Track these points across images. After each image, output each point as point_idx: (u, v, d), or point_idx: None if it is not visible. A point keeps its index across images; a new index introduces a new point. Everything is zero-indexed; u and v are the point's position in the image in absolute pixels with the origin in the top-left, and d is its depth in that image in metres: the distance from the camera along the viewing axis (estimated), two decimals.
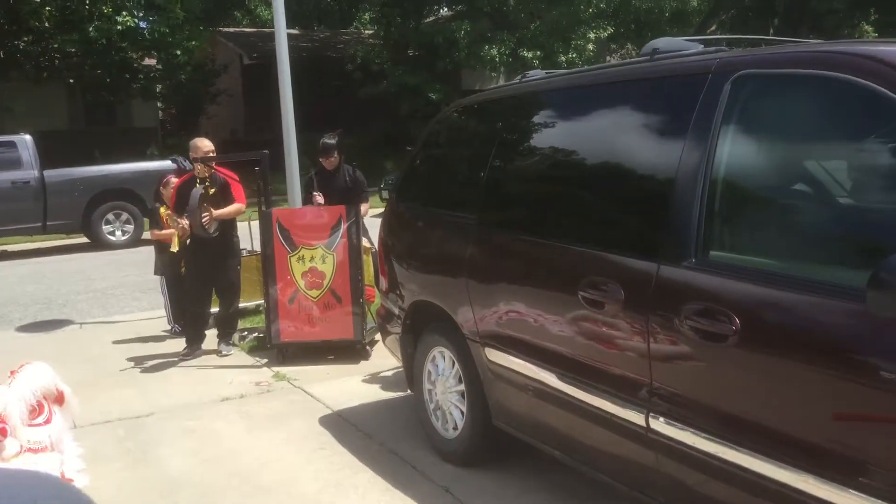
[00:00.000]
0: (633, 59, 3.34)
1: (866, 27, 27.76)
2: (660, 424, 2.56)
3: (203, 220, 5.87)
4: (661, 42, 3.02)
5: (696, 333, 2.40)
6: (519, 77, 3.91)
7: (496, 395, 3.53)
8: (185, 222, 5.93)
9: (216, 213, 5.97)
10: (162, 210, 6.75)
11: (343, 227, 5.85)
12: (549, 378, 3.08)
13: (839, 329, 2.11)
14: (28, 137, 12.57)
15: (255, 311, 7.14)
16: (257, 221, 6.18)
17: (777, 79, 2.46)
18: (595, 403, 2.83)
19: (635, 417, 2.65)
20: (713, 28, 24.42)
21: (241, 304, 6.78)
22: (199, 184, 5.97)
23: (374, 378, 5.45)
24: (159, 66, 20.89)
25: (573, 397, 2.95)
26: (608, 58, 23.68)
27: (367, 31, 29.39)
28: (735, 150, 2.53)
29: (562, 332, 3.01)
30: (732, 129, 2.52)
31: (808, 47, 2.60)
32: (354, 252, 5.86)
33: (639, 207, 2.82)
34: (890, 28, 26.08)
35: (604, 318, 2.78)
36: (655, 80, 2.92)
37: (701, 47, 2.92)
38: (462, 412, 3.84)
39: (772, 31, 25.04)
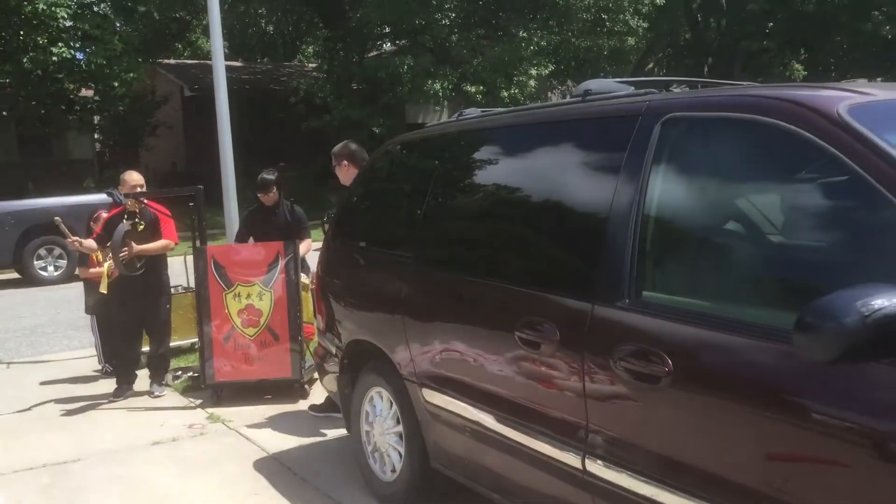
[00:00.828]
0: (566, 100, 3.37)
1: (797, 66, 28.91)
2: (596, 467, 2.54)
3: (121, 255, 5.69)
4: (594, 83, 3.06)
5: (630, 374, 2.39)
6: (455, 115, 3.91)
7: (434, 437, 3.47)
8: (108, 264, 5.76)
9: (137, 248, 5.80)
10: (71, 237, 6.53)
11: (281, 263, 5.76)
12: (487, 419, 3.04)
13: (771, 370, 2.11)
14: None
15: (189, 350, 6.96)
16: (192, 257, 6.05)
17: (705, 122, 2.50)
18: (532, 445, 2.80)
19: (572, 460, 2.62)
20: (650, 66, 25.11)
21: (176, 343, 6.61)
22: (127, 219, 5.80)
23: (311, 418, 5.33)
24: (96, 98, 20.50)
25: (510, 439, 2.91)
26: (549, 94, 24.11)
27: (310, 65, 29.41)
28: (666, 191, 2.55)
29: (499, 372, 2.98)
30: (663, 170, 2.54)
31: (737, 91, 2.65)
32: (293, 288, 5.76)
33: (573, 247, 2.82)
34: (818, 66, 27.20)
35: (540, 358, 2.75)
36: (587, 120, 2.94)
37: (632, 89, 2.96)
38: (400, 454, 3.77)
39: (706, 69, 25.85)
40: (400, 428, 3.75)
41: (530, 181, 3.13)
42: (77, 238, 5.82)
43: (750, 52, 26.38)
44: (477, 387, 3.11)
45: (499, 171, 3.39)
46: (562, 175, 2.96)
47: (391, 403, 3.81)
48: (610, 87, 3.02)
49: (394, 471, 3.82)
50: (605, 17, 21.80)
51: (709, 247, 2.54)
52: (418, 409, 3.54)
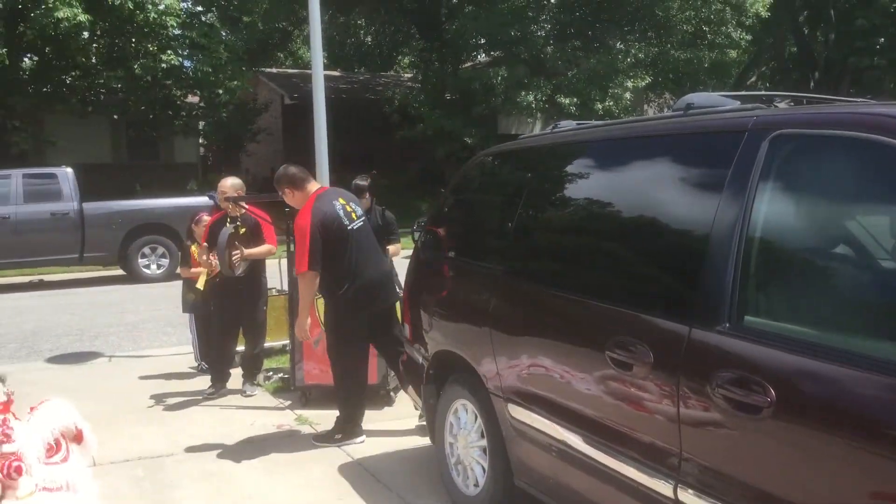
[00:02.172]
0: (666, 114, 3.27)
1: None
2: (688, 496, 2.43)
3: (233, 259, 5.87)
4: (696, 97, 2.96)
5: (729, 403, 2.29)
6: (550, 127, 3.86)
7: (519, 454, 3.41)
8: (213, 260, 5.95)
9: (246, 252, 5.97)
10: (192, 247, 6.78)
11: None
12: (574, 439, 2.97)
13: (881, 405, 1.99)
14: (69, 170, 12.83)
15: (281, 351, 7.11)
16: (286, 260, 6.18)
17: (817, 139, 2.37)
18: (621, 470, 2.71)
19: (663, 488, 2.52)
20: (752, 79, 24.31)
21: (268, 344, 6.75)
22: (230, 223, 5.99)
23: (396, 425, 5.35)
24: (202, 104, 21.34)
25: (598, 462, 2.84)
26: (646, 107, 23.67)
27: (405, 75, 29.79)
28: (773, 211, 2.44)
29: (588, 392, 2.91)
30: (770, 188, 2.43)
31: (851, 108, 2.51)
32: None
33: (670, 266, 2.72)
34: None
35: (632, 380, 2.67)
36: (689, 135, 2.84)
37: (737, 103, 2.84)
38: (484, 468, 3.73)
39: (812, 84, 24.86)
40: (484, 442, 3.71)
41: (626, 196, 3.05)
42: (211, 258, 6.06)
43: (858, 67, 25.25)
44: (564, 405, 3.04)
45: (593, 185, 3.32)
46: (660, 191, 2.87)
47: (476, 416, 3.77)
48: (714, 101, 2.91)
49: (476, 485, 3.78)
50: (707, 29, 21.29)
51: (817, 271, 2.41)
52: (503, 425, 3.49)
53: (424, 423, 5.12)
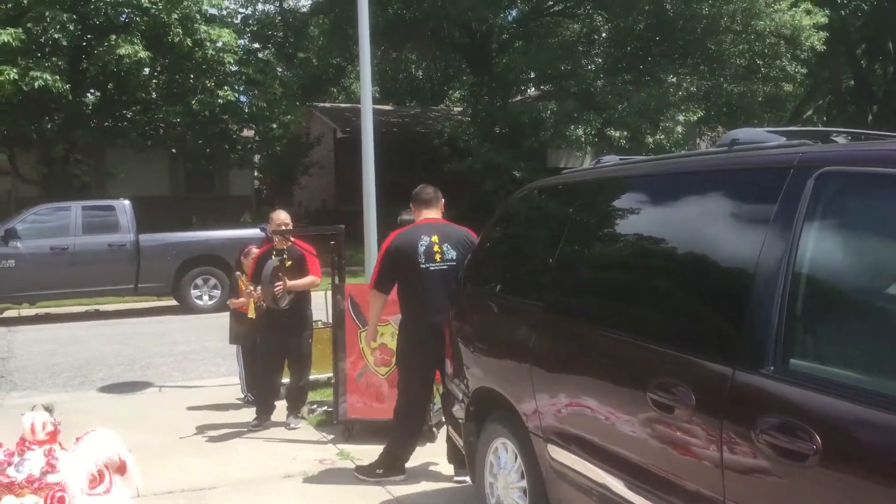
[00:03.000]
0: (710, 149, 3.22)
1: None
2: None
3: (275, 290, 5.94)
4: (741, 133, 2.90)
5: (773, 449, 2.20)
6: (593, 162, 3.82)
7: (559, 496, 3.34)
8: (256, 294, 6.03)
9: (290, 284, 6.03)
10: (241, 279, 6.87)
11: None
12: (615, 484, 2.89)
13: None
14: (126, 202, 13.18)
15: (325, 384, 7.12)
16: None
17: (865, 177, 2.30)
18: None
19: None
20: (809, 113, 23.89)
21: (313, 376, 6.77)
22: (276, 255, 6.06)
23: (438, 463, 5.29)
24: (257, 138, 21.80)
25: None
26: (698, 140, 23.41)
27: (455, 109, 30.04)
28: (819, 250, 2.36)
29: (628, 434, 2.83)
30: (816, 227, 2.35)
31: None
32: None
33: (714, 305, 2.65)
34: None
35: (674, 423, 2.59)
36: (734, 171, 2.78)
37: (783, 139, 2.78)
38: None
39: (870, 118, 24.33)
40: (524, 483, 3.63)
41: (668, 233, 2.99)
42: (254, 292, 6.20)
43: None
44: (604, 447, 2.97)
45: (635, 221, 3.27)
46: (703, 228, 2.81)
47: (516, 456, 3.70)
48: (759, 137, 2.84)
49: None
50: (761, 62, 21.00)
51: (865, 312, 2.31)
52: (543, 466, 3.42)
53: (449, 461, 5.07)
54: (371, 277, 5.04)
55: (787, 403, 2.23)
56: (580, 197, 3.69)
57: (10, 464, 3.51)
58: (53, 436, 3.70)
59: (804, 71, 21.77)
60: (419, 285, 4.87)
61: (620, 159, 3.68)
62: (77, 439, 3.77)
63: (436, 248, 4.90)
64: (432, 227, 5.03)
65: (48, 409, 3.80)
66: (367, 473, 5.03)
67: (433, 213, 5.13)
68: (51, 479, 3.48)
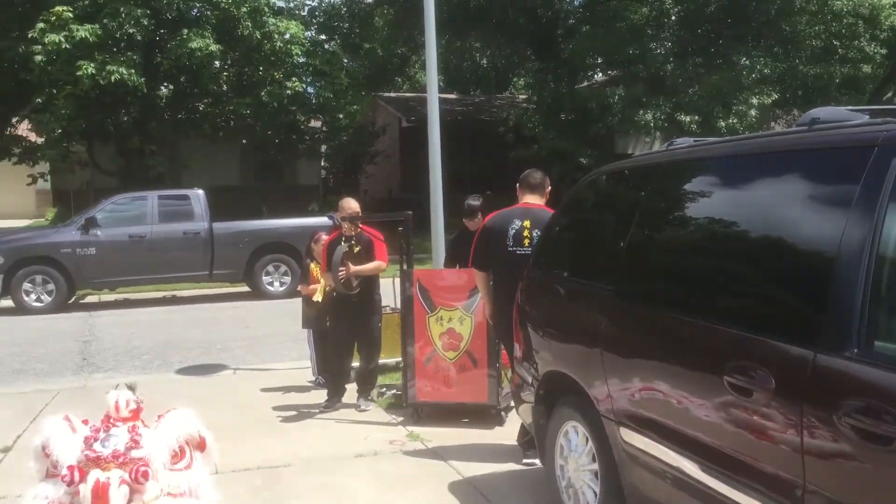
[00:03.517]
0: (789, 129, 3.13)
1: None
2: None
3: (339, 275, 6.03)
4: (822, 111, 2.81)
5: (857, 433, 2.15)
6: (666, 144, 3.77)
7: (631, 479, 3.32)
8: (330, 280, 6.14)
9: (353, 269, 6.12)
10: (312, 265, 7.00)
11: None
12: (690, 467, 2.86)
13: None
14: (200, 192, 13.55)
15: (394, 368, 7.21)
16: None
17: None
18: (740, 500, 2.59)
19: None
20: (889, 95, 22.94)
21: (382, 361, 6.86)
22: (345, 242, 6.16)
23: (507, 445, 5.32)
24: (324, 129, 22.12)
25: (716, 491, 2.71)
26: (772, 124, 22.74)
27: (521, 96, 29.86)
28: None
29: (704, 417, 2.80)
30: None
31: None
32: None
33: (794, 288, 2.59)
34: None
35: (752, 407, 2.55)
36: (814, 151, 2.71)
37: (866, 118, 2.69)
38: (595, 493, 3.64)
39: None
40: (595, 466, 3.63)
41: (745, 215, 2.93)
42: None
43: None
44: (679, 431, 2.94)
45: (710, 203, 3.21)
46: (782, 209, 2.75)
47: (587, 439, 3.70)
48: (841, 116, 2.76)
49: None
50: (838, 43, 20.25)
51: None
52: (615, 449, 3.41)
53: (518, 443, 5.10)
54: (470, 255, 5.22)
55: (871, 386, 2.17)
56: (653, 180, 3.65)
57: (96, 439, 3.67)
58: (136, 413, 3.85)
59: (884, 51, 20.92)
60: (504, 268, 4.91)
61: (694, 141, 3.62)
62: (159, 417, 3.91)
63: (525, 234, 4.93)
64: (527, 213, 5.06)
65: (131, 387, 3.95)
66: None
67: (535, 199, 5.17)
68: (135, 454, 3.62)
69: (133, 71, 16.38)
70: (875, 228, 2.30)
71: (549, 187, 5.29)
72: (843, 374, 2.27)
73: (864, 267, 2.29)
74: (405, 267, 6.20)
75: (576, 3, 23.58)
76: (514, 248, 4.90)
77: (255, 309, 12.41)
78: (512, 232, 4.94)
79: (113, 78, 16.05)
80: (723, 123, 18.44)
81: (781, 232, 2.72)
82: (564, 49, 21.93)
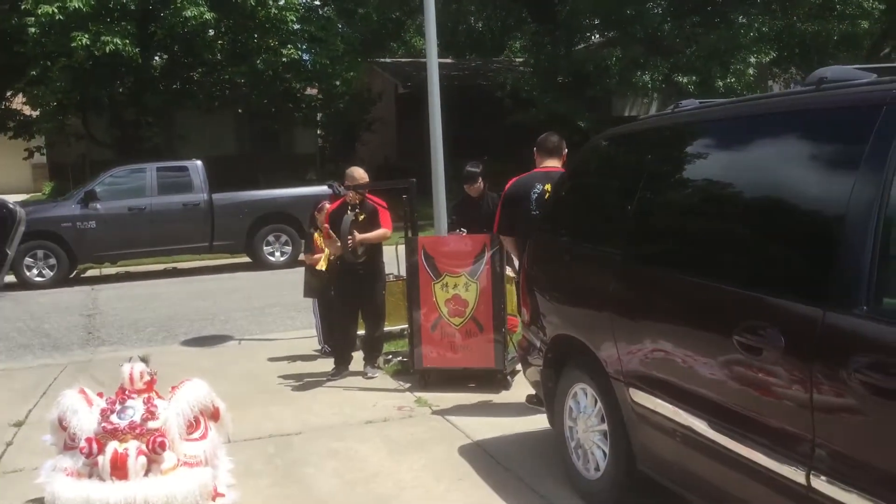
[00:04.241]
0: (797, 89, 3.14)
1: None
2: (822, 484, 2.36)
3: (347, 243, 6.06)
4: (830, 71, 2.82)
5: (867, 388, 2.20)
6: (671, 107, 3.77)
7: (641, 439, 3.38)
8: (338, 242, 6.15)
9: (360, 236, 6.15)
10: (316, 235, 7.02)
11: (487, 255, 5.85)
12: (700, 425, 2.92)
13: None
14: (199, 163, 13.50)
15: (399, 335, 7.27)
16: (404, 246, 6.31)
17: None
18: (750, 456, 2.65)
19: (795, 475, 2.45)
20: (886, 51, 22.79)
21: (387, 328, 6.92)
22: (350, 210, 6.18)
23: (513, 409, 5.39)
24: (320, 96, 21.95)
25: (726, 448, 2.77)
26: (770, 83, 22.61)
27: (517, 59, 29.62)
28: None
29: (714, 377, 2.84)
30: None
31: None
32: (497, 281, 5.85)
33: (802, 247, 2.62)
34: None
35: (762, 365, 2.60)
36: (822, 111, 2.72)
37: (874, 76, 2.69)
38: (604, 453, 3.71)
39: None
40: (604, 426, 3.69)
41: (753, 176, 2.95)
42: (336, 241, 6.30)
43: None
44: (689, 390, 2.99)
45: (718, 165, 3.23)
46: (790, 169, 2.77)
47: (595, 401, 3.76)
48: (849, 75, 2.77)
49: (598, 469, 3.77)
50: None
51: None
52: (624, 409, 3.46)
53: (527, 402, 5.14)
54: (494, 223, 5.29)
55: (881, 342, 2.22)
56: (659, 143, 3.66)
57: (112, 412, 3.73)
58: (150, 385, 3.91)
59: (882, 6, 20.73)
60: (528, 232, 4.92)
61: (700, 103, 3.62)
62: (173, 388, 3.97)
63: (547, 197, 4.97)
64: (548, 176, 5.12)
65: (144, 360, 4.00)
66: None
67: (554, 162, 5.24)
68: (151, 425, 3.69)
69: (127, 41, 16.21)
70: (884, 187, 2.32)
71: (566, 150, 5.34)
72: (852, 331, 2.31)
73: (872, 225, 2.32)
74: (410, 234, 6.22)
75: None
76: (537, 212, 4.95)
77: (256, 279, 12.44)
78: (535, 196, 5.02)
79: (108, 48, 15.89)
80: (721, 83, 18.32)
81: (789, 192, 2.75)
82: (561, 11, 21.71)
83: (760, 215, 2.85)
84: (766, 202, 2.84)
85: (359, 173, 6.40)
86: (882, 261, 2.29)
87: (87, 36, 15.82)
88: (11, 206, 3.97)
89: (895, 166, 2.32)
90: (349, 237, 6.09)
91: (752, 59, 18.79)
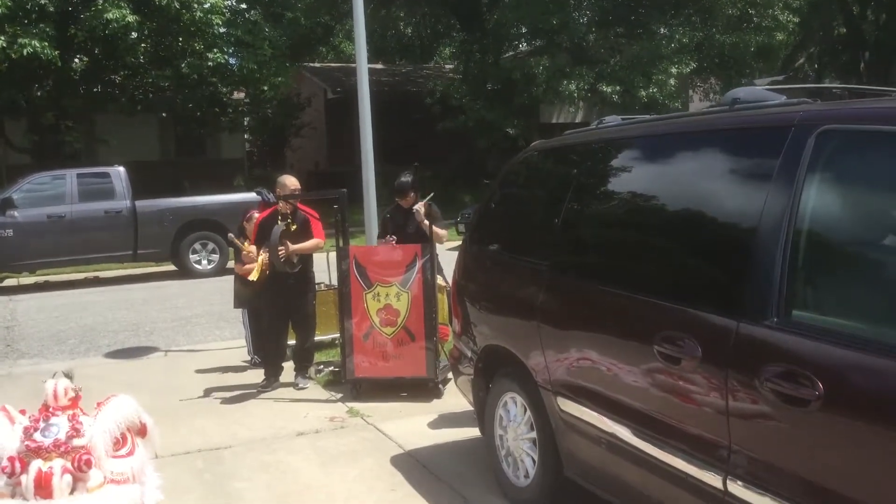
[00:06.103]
0: (711, 109, 3.29)
1: None
2: (738, 488, 2.48)
3: (279, 254, 6.02)
4: (742, 91, 2.97)
5: (777, 396, 2.32)
6: (595, 122, 3.89)
7: (568, 446, 3.48)
8: (262, 255, 6.10)
9: (293, 247, 6.12)
10: (245, 244, 6.93)
11: (418, 264, 5.90)
12: (623, 432, 3.02)
13: None
14: (121, 169, 13.16)
15: (330, 345, 7.25)
16: (334, 254, 6.30)
17: (862, 134, 2.39)
18: (670, 462, 2.76)
19: (712, 479, 2.57)
20: (800, 62, 23.81)
21: (318, 338, 6.88)
22: (281, 220, 6.14)
23: (445, 418, 5.45)
24: (247, 101, 21.65)
25: (647, 454, 2.88)
26: (691, 92, 23.34)
27: (447, 66, 29.80)
28: (820, 206, 2.46)
29: (636, 385, 2.95)
30: (817, 183, 2.45)
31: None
32: (429, 290, 5.90)
33: (717, 261, 2.75)
34: None
35: (680, 374, 2.71)
36: (735, 130, 2.86)
37: (783, 98, 2.85)
38: (534, 460, 3.80)
39: (862, 65, 24.27)
40: (534, 434, 3.77)
41: (673, 191, 3.08)
42: (250, 249, 6.22)
43: None
44: (613, 398, 3.10)
45: (640, 180, 3.35)
46: (706, 186, 2.90)
47: (525, 409, 3.84)
48: (760, 96, 2.92)
49: (527, 476, 3.85)
50: (753, 11, 20.88)
51: (864, 265, 2.42)
52: (552, 417, 3.55)
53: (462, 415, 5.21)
54: None
55: (790, 352, 2.34)
56: (585, 157, 3.77)
57: (36, 429, 3.62)
58: (75, 401, 3.80)
59: (796, 20, 21.69)
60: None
61: (623, 119, 3.75)
62: (98, 404, 3.87)
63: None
64: None
65: (69, 375, 3.90)
66: None
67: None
68: (76, 442, 3.59)
69: (46, 44, 15.69)
70: (793, 204, 2.45)
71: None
72: (763, 341, 2.43)
73: (782, 240, 2.45)
74: (341, 244, 6.22)
75: None
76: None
77: (183, 288, 12.20)
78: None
79: (25, 51, 15.37)
80: (643, 93, 18.87)
81: (705, 207, 2.87)
82: (489, 19, 21.99)
83: (679, 229, 2.97)
84: (684, 217, 2.97)
85: (290, 182, 6.36)
86: (791, 274, 2.42)
87: (2, 38, 15.27)
88: None
89: (803, 184, 2.45)
90: (280, 248, 6.05)
91: (674, 70, 19.40)
